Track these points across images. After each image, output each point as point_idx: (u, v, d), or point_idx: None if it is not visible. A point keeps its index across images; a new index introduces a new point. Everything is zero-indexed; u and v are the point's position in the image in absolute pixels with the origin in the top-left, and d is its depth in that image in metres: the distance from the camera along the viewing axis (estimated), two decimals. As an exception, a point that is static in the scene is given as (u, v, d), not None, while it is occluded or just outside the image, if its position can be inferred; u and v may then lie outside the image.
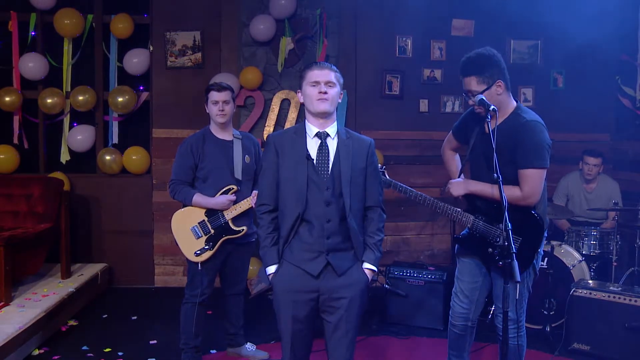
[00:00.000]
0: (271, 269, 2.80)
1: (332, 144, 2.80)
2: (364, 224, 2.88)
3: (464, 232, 3.33)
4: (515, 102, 3.21)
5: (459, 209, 3.23)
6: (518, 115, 3.14)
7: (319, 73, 2.77)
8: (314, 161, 2.77)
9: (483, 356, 4.32)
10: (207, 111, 3.99)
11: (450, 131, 3.55)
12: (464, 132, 3.40)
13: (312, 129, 2.81)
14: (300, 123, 2.91)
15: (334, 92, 2.78)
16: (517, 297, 3.18)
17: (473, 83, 3.09)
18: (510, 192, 3.08)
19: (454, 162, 3.56)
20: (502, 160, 3.07)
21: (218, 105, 3.91)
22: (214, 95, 3.92)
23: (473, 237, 3.25)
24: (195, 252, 3.89)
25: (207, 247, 3.89)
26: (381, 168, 3.16)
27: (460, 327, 3.38)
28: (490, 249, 3.18)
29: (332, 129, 2.82)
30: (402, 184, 3.25)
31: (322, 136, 2.79)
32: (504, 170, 3.05)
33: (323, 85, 2.75)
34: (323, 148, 2.78)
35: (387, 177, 3.24)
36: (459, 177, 3.36)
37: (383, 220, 2.91)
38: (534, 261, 3.22)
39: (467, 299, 3.34)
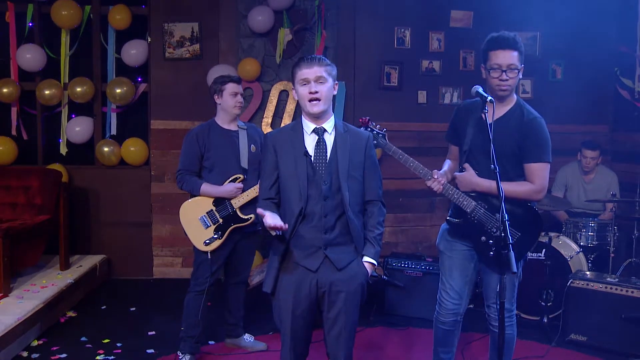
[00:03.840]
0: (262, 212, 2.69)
1: (330, 139, 2.79)
2: (364, 218, 2.87)
3: (454, 218, 3.25)
4: (515, 95, 3.20)
5: (463, 193, 3.17)
6: (522, 109, 3.14)
7: (308, 71, 2.70)
8: (312, 157, 2.75)
9: (478, 347, 4.33)
10: (218, 102, 3.98)
11: (448, 143, 3.47)
12: (457, 134, 3.33)
13: (309, 125, 2.79)
14: (297, 120, 2.89)
15: (326, 88, 2.73)
16: (511, 288, 3.19)
17: (516, 58, 3.05)
18: (526, 188, 3.09)
19: (447, 165, 3.45)
20: (505, 153, 3.08)
21: (237, 96, 3.95)
22: (234, 87, 3.95)
23: (469, 222, 3.19)
24: (204, 242, 3.91)
25: (216, 236, 3.91)
26: (382, 130, 3.09)
27: (450, 323, 3.32)
28: (484, 238, 3.14)
29: (329, 124, 2.79)
30: (402, 152, 3.15)
31: (320, 132, 2.77)
32: (504, 162, 3.07)
33: (313, 84, 2.70)
34: (321, 144, 2.77)
35: (388, 142, 3.13)
36: (460, 170, 3.26)
37: (383, 214, 2.90)
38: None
39: (458, 295, 3.27)
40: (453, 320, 3.31)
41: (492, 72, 3.08)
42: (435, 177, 3.11)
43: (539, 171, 3.10)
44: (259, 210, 2.67)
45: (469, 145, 3.19)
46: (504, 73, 3.04)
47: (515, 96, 3.20)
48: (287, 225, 2.63)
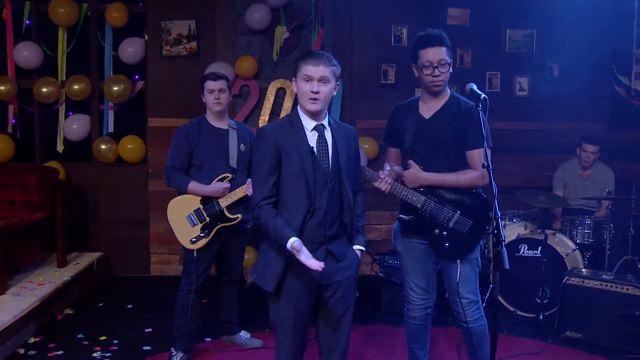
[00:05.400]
0: (292, 240, 2.59)
1: (329, 136, 2.79)
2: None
3: (405, 215, 3.27)
4: (449, 89, 3.26)
5: (411, 189, 3.18)
6: (458, 99, 3.21)
7: (313, 69, 2.66)
8: (316, 155, 2.74)
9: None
10: (204, 100, 4.02)
11: (387, 147, 3.47)
12: (397, 135, 3.33)
13: (309, 121, 2.76)
14: (291, 113, 2.85)
15: (327, 89, 2.70)
16: (474, 279, 3.24)
17: (444, 53, 3.10)
18: (472, 175, 3.14)
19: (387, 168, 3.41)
20: (448, 143, 3.15)
21: (214, 93, 3.93)
22: (210, 84, 3.94)
23: (420, 218, 3.21)
24: (190, 240, 3.91)
25: (202, 234, 3.91)
26: None
27: (421, 317, 3.36)
28: (437, 231, 3.17)
29: (325, 121, 2.80)
30: (368, 168, 3.16)
31: (320, 129, 2.76)
32: (449, 153, 3.15)
33: (316, 84, 2.67)
34: (322, 141, 2.76)
35: None
36: (404, 167, 3.27)
37: (363, 205, 2.99)
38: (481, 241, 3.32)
39: (424, 290, 3.33)
40: (424, 314, 3.37)
41: (424, 69, 3.13)
42: (382, 177, 3.11)
43: (481, 157, 3.10)
44: (296, 244, 2.58)
45: (410, 143, 3.23)
46: (435, 69, 3.09)
47: (448, 90, 3.25)
48: (323, 264, 2.58)
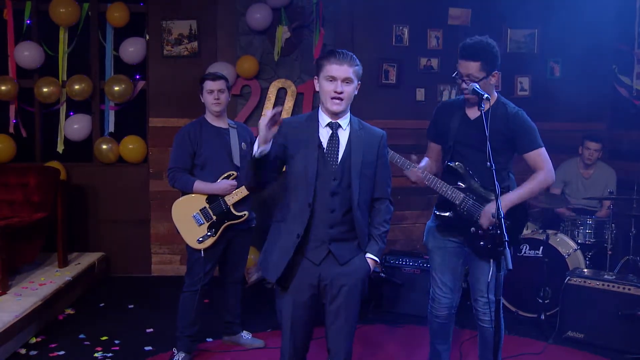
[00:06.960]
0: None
1: (344, 135, 2.77)
2: (370, 215, 2.87)
3: (443, 212, 3.30)
4: (495, 93, 3.29)
5: (451, 186, 3.22)
6: (503, 105, 3.24)
7: (338, 68, 2.66)
8: (324, 150, 2.74)
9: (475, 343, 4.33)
10: (202, 100, 4.03)
11: (428, 141, 3.53)
12: (439, 132, 3.40)
13: (324, 118, 2.77)
14: (313, 110, 2.88)
15: (351, 89, 2.71)
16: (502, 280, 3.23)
17: (475, 68, 3.11)
18: (539, 178, 3.19)
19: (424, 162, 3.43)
20: (493, 147, 3.12)
21: (213, 94, 3.95)
22: (209, 85, 3.96)
23: (458, 214, 3.23)
24: (197, 239, 3.90)
25: (209, 233, 3.91)
26: None
27: (444, 316, 3.40)
28: (473, 229, 3.19)
29: (344, 120, 2.78)
30: (399, 156, 3.19)
31: (334, 127, 2.76)
32: (496, 157, 3.10)
33: (340, 84, 2.67)
34: (334, 138, 2.76)
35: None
36: (444, 164, 3.32)
37: (390, 212, 2.92)
38: None
39: (450, 290, 3.36)
40: (447, 314, 3.40)
41: (458, 80, 3.21)
42: (415, 168, 3.16)
43: (540, 156, 3.22)
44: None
45: (452, 141, 3.28)
46: (463, 82, 3.16)
47: (495, 93, 3.28)
48: (279, 108, 2.58)
